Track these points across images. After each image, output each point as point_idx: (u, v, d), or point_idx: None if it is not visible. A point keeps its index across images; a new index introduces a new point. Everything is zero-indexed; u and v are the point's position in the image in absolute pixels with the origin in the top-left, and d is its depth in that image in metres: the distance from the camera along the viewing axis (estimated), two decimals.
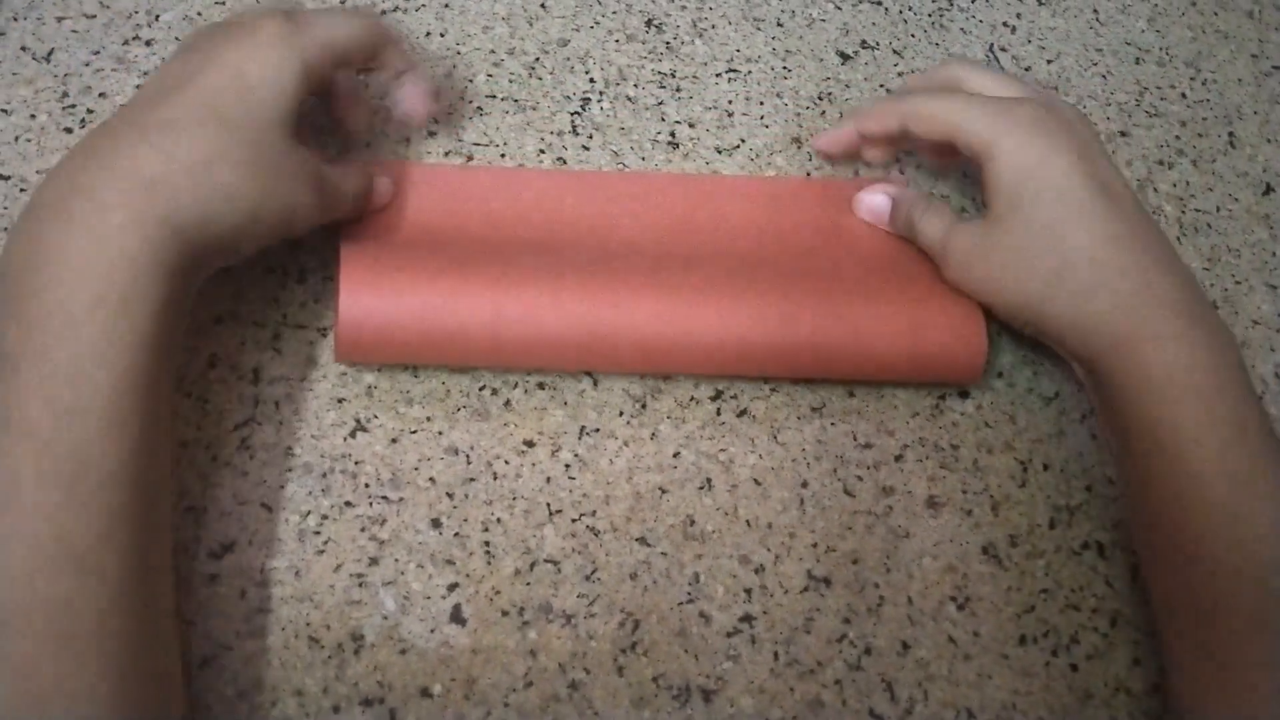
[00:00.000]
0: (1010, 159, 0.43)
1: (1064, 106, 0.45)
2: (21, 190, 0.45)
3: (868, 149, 0.50)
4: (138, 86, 0.48)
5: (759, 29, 0.57)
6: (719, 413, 0.46)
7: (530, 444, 0.44)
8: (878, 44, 0.58)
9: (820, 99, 0.55)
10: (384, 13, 0.52)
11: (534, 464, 0.44)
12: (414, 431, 0.43)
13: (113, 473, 0.32)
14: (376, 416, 0.43)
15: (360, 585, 0.40)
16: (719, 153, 0.52)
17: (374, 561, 0.41)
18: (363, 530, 0.41)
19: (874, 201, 0.50)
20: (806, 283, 0.45)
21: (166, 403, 0.36)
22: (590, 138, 0.51)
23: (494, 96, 0.51)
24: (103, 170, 0.34)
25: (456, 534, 0.42)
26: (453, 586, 0.41)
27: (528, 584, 0.41)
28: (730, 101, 0.54)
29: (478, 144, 0.50)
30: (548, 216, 0.48)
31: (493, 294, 0.42)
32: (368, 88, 0.49)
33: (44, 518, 0.30)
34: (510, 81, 0.52)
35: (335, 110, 0.47)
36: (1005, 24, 0.60)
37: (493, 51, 0.53)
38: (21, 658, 0.29)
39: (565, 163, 0.50)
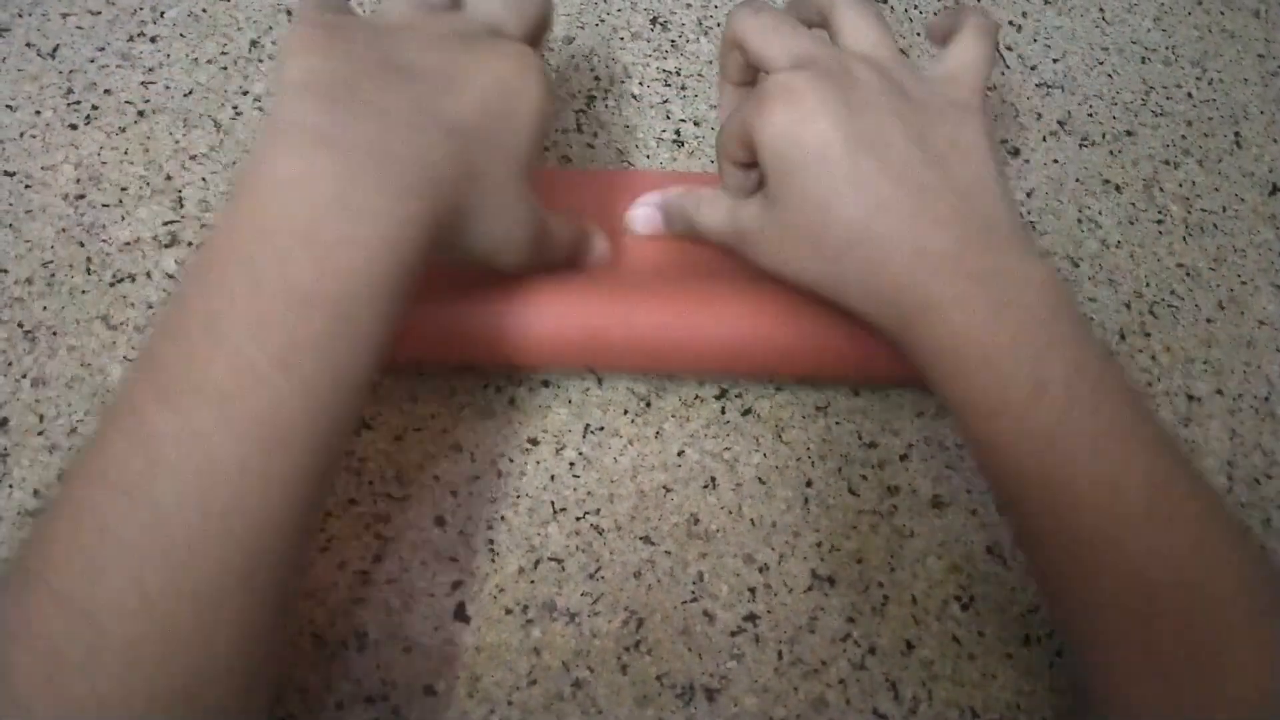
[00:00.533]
0: (765, 138, 0.38)
1: (826, 60, 0.39)
2: (26, 187, 0.44)
3: None
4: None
5: None
6: (723, 411, 0.46)
7: (535, 442, 0.44)
8: None
9: None
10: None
11: (538, 462, 0.44)
12: (418, 429, 0.43)
13: (339, 449, 0.32)
14: (381, 413, 0.43)
15: (364, 583, 0.40)
16: None
17: (378, 559, 0.41)
18: (367, 527, 0.41)
19: (641, 215, 0.48)
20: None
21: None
22: (595, 135, 0.51)
23: None
24: (411, 150, 0.34)
25: (461, 532, 0.42)
26: (456, 584, 0.41)
27: (531, 582, 0.41)
28: None
29: None
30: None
31: (501, 296, 0.42)
32: None
33: (304, 476, 0.31)
34: None
35: None
36: (1011, 23, 0.60)
37: None
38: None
39: (570, 160, 0.50)
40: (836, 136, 0.37)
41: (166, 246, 0.45)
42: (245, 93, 0.48)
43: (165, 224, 0.45)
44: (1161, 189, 0.56)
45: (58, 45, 0.48)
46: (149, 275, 0.44)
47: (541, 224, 0.40)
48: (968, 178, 0.38)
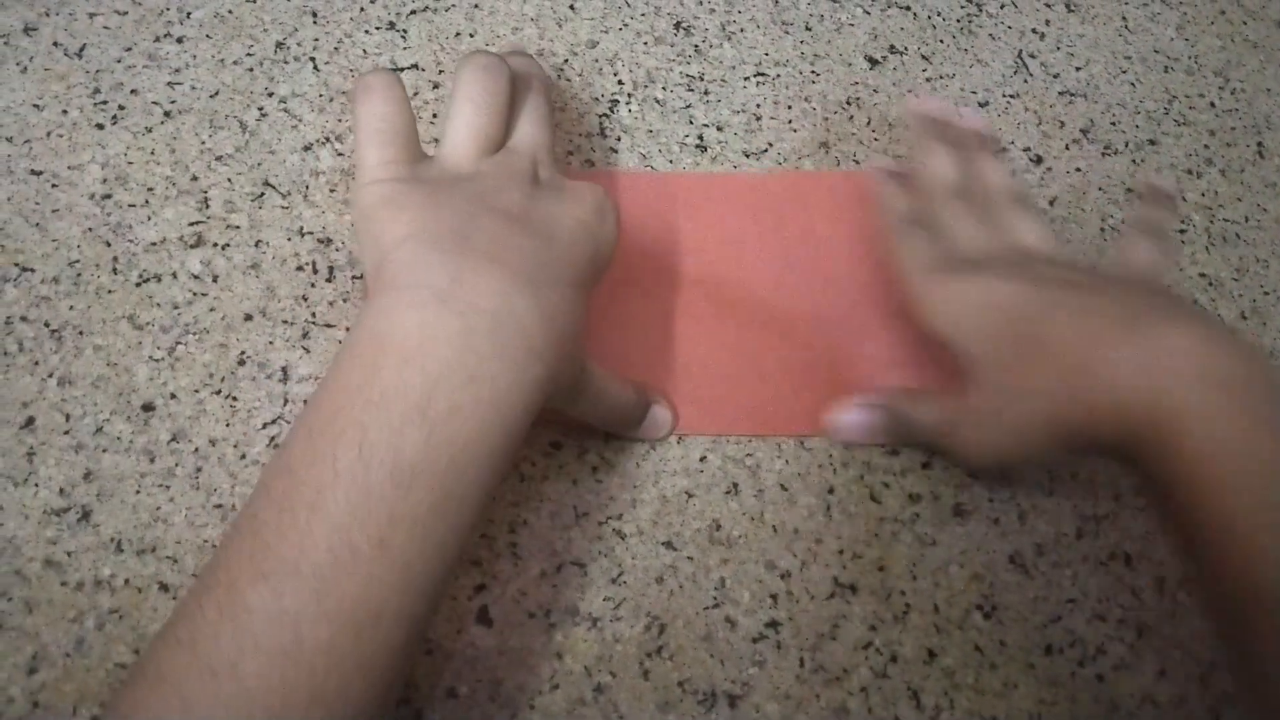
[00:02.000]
0: (951, 336, 0.40)
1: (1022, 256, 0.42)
2: (53, 186, 0.45)
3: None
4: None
5: (787, 33, 0.57)
6: None
7: (557, 446, 0.44)
8: (906, 49, 0.58)
9: (848, 103, 0.55)
10: (412, 13, 0.52)
11: (561, 466, 0.44)
12: None
13: (423, 621, 0.32)
14: None
15: None
16: (747, 156, 0.52)
17: None
18: None
19: (851, 422, 0.46)
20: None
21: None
22: (618, 140, 0.51)
23: None
24: (530, 307, 0.33)
25: (484, 535, 0.42)
26: (479, 588, 0.41)
27: (554, 586, 0.41)
28: (758, 105, 0.54)
29: None
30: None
31: None
32: None
33: (390, 656, 0.30)
34: None
35: None
36: (1034, 30, 0.60)
37: None
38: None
39: (593, 164, 0.50)
40: (1011, 285, 0.39)
41: (192, 247, 0.45)
42: (271, 94, 0.49)
43: (191, 224, 0.45)
44: (1184, 198, 0.56)
45: (85, 45, 0.48)
46: (174, 275, 0.44)
47: (583, 366, 0.39)
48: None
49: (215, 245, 0.45)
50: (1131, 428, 0.34)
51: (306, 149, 0.48)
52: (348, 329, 0.44)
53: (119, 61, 0.48)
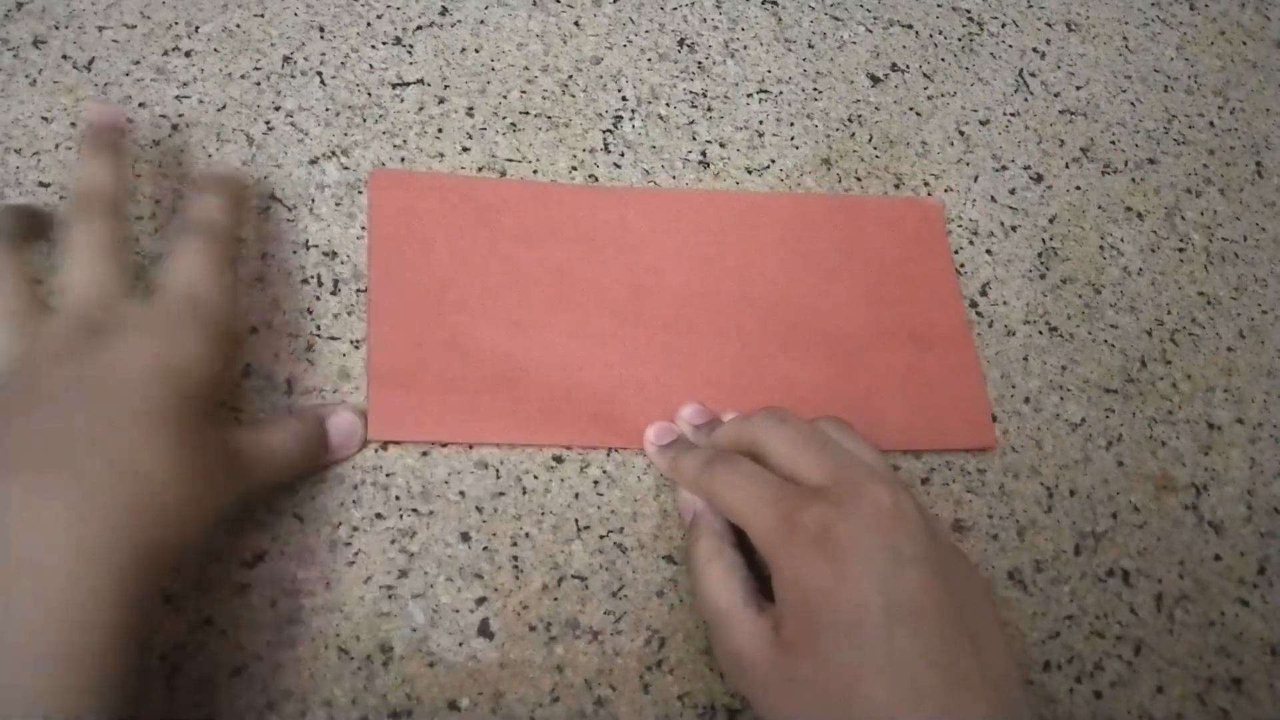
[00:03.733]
0: (792, 582, 0.35)
1: (871, 499, 0.36)
2: (62, 198, 0.45)
3: None
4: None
5: (790, 50, 0.57)
6: None
7: (559, 459, 0.44)
8: (908, 67, 0.58)
9: (850, 121, 0.55)
10: (418, 28, 0.53)
11: (563, 479, 0.44)
12: (444, 445, 0.43)
13: None
14: None
15: (390, 597, 0.40)
16: (749, 173, 0.52)
17: (404, 574, 0.41)
18: (393, 542, 0.41)
19: (685, 503, 0.43)
20: (822, 355, 0.48)
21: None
22: (622, 155, 0.51)
23: (527, 113, 0.52)
24: (47, 540, 0.31)
25: (485, 548, 0.42)
26: (481, 600, 0.41)
27: (555, 599, 0.42)
28: (761, 122, 0.54)
29: (510, 160, 0.50)
30: (581, 232, 0.49)
31: (512, 409, 0.45)
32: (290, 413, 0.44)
33: None
34: (543, 98, 0.52)
35: None
36: (1035, 49, 0.60)
37: (526, 68, 0.53)
38: None
39: (597, 179, 0.50)
40: (876, 603, 0.33)
41: None
42: (278, 108, 0.49)
43: None
44: (1183, 217, 0.56)
45: (93, 58, 0.49)
46: None
47: (231, 456, 0.37)
48: (999, 663, 0.35)
49: None
50: None
51: (313, 163, 0.48)
52: (352, 342, 0.44)
53: (127, 75, 0.49)
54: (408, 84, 0.51)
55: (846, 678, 0.33)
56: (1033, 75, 0.59)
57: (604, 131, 0.52)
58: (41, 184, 0.45)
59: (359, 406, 0.43)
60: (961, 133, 0.56)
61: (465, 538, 0.42)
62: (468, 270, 0.46)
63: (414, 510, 0.42)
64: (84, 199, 0.40)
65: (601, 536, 0.43)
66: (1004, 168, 0.56)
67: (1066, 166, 0.57)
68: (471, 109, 0.51)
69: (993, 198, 0.54)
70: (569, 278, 0.47)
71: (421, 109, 0.50)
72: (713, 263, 0.49)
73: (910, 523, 0.35)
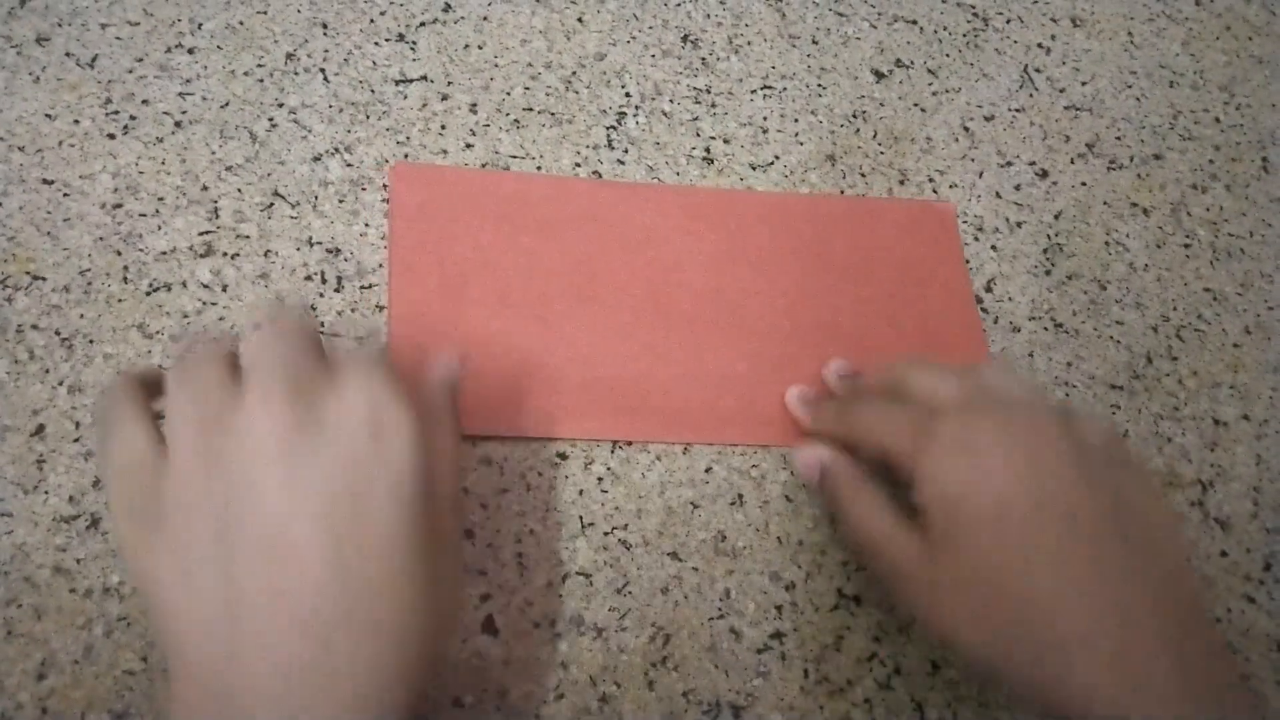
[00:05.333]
0: (933, 484, 0.36)
1: (1011, 410, 0.37)
2: (65, 195, 0.45)
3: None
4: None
5: (794, 46, 0.57)
6: None
7: (563, 456, 0.44)
8: (912, 63, 0.58)
9: (854, 117, 0.55)
10: (422, 25, 0.53)
11: (567, 476, 0.44)
12: None
13: None
14: None
15: None
16: (753, 169, 0.52)
17: None
18: None
19: (806, 460, 0.43)
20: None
21: None
22: (625, 152, 0.51)
23: (530, 109, 0.52)
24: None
25: (489, 545, 0.42)
26: (485, 597, 0.41)
27: (560, 596, 0.42)
28: (765, 118, 0.54)
29: (514, 156, 0.50)
30: (601, 227, 0.49)
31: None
32: None
33: None
34: (547, 95, 0.52)
35: None
36: (1040, 45, 0.60)
37: (530, 65, 0.53)
38: None
39: (600, 176, 0.50)
40: (1018, 498, 0.34)
41: (202, 256, 0.45)
42: (281, 105, 0.49)
43: (201, 234, 0.46)
44: (1189, 213, 0.56)
45: (97, 55, 0.49)
46: (184, 285, 0.44)
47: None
48: (1167, 560, 0.34)
49: (225, 255, 0.45)
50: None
51: (316, 159, 0.48)
52: (356, 339, 0.44)
53: (130, 72, 0.49)
54: (411, 81, 0.51)
55: (993, 572, 0.34)
56: (1038, 71, 0.59)
57: (608, 128, 0.52)
58: (45, 181, 0.45)
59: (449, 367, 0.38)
60: (966, 129, 0.56)
61: (469, 534, 0.42)
62: (489, 264, 0.47)
63: None
64: None
65: (606, 533, 0.43)
66: (1009, 164, 0.56)
67: (1072, 162, 0.57)
68: (475, 105, 0.51)
69: (998, 194, 0.54)
70: (589, 272, 0.48)
71: (425, 105, 0.50)
72: (732, 261, 0.49)
73: (1053, 431, 0.36)
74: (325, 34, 0.51)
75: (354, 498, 0.29)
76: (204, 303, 0.44)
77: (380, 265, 0.46)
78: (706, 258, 0.49)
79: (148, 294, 0.44)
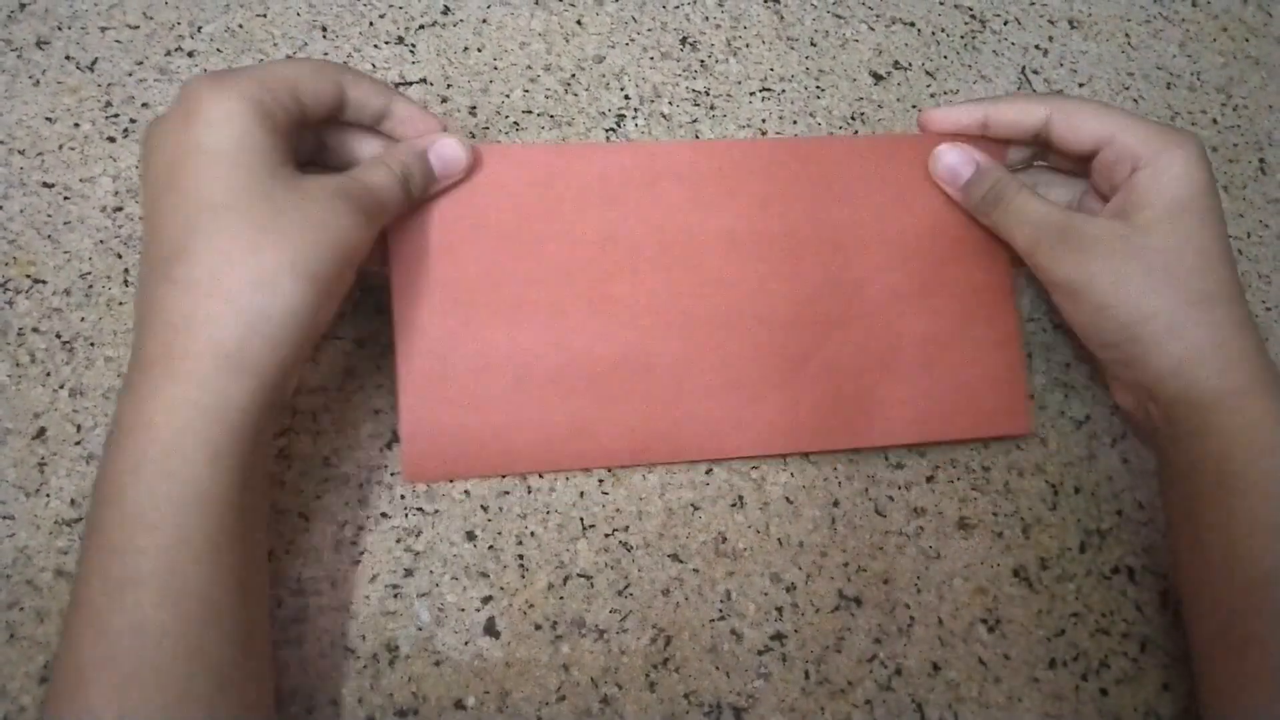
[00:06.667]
0: (1182, 171, 0.41)
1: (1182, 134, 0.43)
2: (65, 199, 0.45)
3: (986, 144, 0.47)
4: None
5: (792, 48, 0.57)
6: None
7: None
8: (910, 65, 0.58)
9: (853, 119, 0.55)
10: (421, 28, 0.53)
11: (567, 478, 0.44)
12: None
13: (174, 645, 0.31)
14: None
15: (395, 596, 0.40)
16: None
17: (409, 573, 0.41)
18: (398, 542, 0.41)
19: (952, 162, 0.46)
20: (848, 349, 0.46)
21: (250, 547, 0.34)
22: None
23: (530, 112, 0.52)
24: (189, 340, 0.33)
25: (491, 547, 0.42)
26: (487, 599, 0.41)
27: (561, 598, 0.42)
28: (764, 120, 0.54)
29: None
30: (613, 209, 0.45)
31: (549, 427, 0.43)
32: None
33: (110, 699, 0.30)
34: (546, 97, 0.52)
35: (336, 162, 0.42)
36: (1037, 46, 0.60)
37: (529, 67, 0.53)
38: None
39: None
40: (1216, 209, 0.41)
41: None
42: None
43: None
44: None
45: (96, 59, 0.49)
46: None
47: (349, 199, 0.36)
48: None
49: None
50: (1207, 387, 0.39)
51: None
52: (355, 341, 0.44)
53: (130, 75, 0.49)
54: (410, 83, 0.51)
55: (1209, 255, 0.40)
56: (1035, 73, 0.59)
57: (607, 130, 0.52)
58: (45, 184, 0.45)
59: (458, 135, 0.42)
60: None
61: (471, 537, 0.42)
62: (492, 275, 0.43)
63: (419, 509, 0.42)
64: None
65: (607, 535, 0.43)
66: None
67: None
68: (474, 108, 0.51)
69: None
70: (601, 270, 0.44)
71: (424, 108, 0.50)
72: (753, 223, 0.46)
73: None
74: (324, 37, 0.51)
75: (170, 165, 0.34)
76: None
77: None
78: (725, 222, 0.45)
79: None
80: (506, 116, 0.51)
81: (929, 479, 0.46)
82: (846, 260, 0.46)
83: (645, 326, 0.44)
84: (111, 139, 0.47)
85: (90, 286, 0.44)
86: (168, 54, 0.50)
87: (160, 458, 0.32)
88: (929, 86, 0.57)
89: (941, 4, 0.60)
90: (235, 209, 0.33)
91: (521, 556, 0.42)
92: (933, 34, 0.59)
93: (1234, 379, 0.39)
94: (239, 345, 0.33)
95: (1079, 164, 0.45)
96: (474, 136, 0.50)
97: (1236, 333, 0.40)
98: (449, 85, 0.51)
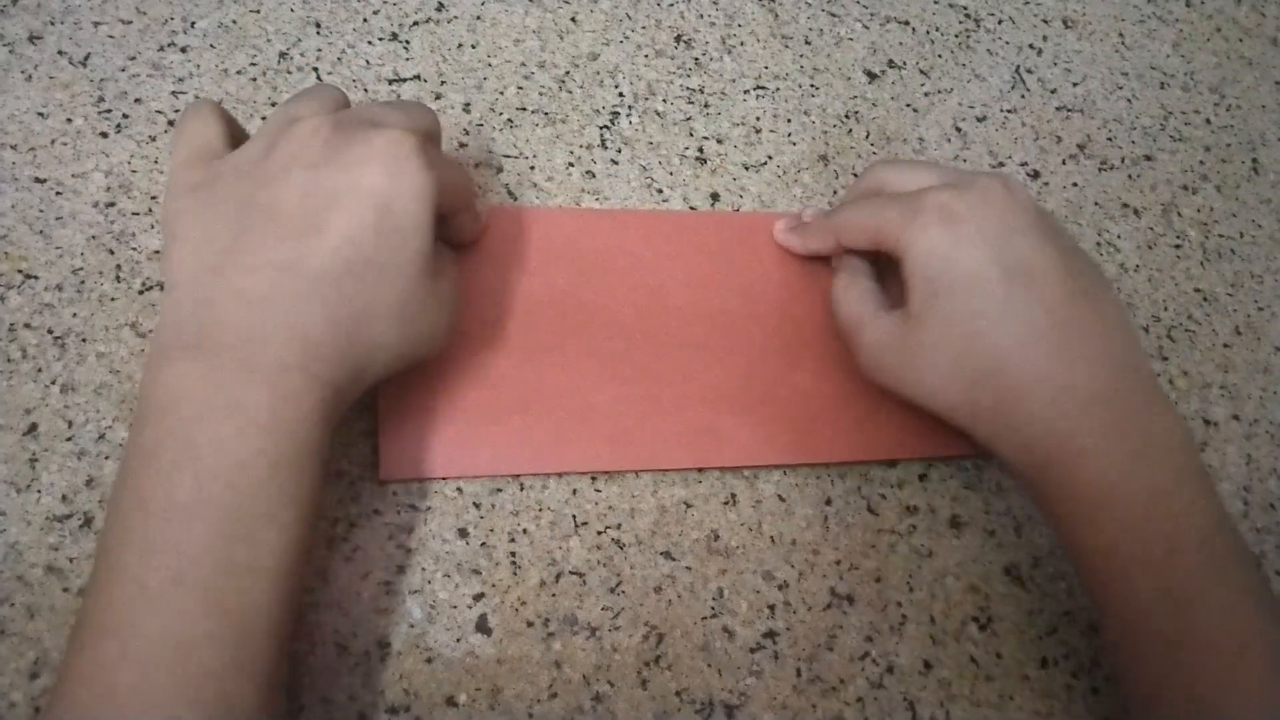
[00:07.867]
0: (919, 253, 0.39)
1: (985, 184, 0.41)
2: (57, 194, 0.45)
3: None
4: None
5: (787, 47, 0.57)
6: None
7: None
8: (904, 63, 0.58)
9: (847, 117, 0.55)
10: (415, 24, 0.53)
11: (560, 475, 0.44)
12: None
13: (273, 631, 0.32)
14: None
15: (388, 593, 0.40)
16: (746, 169, 0.52)
17: (401, 570, 0.41)
18: (390, 538, 0.41)
19: (786, 241, 0.49)
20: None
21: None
22: (619, 151, 0.51)
23: (524, 109, 0.52)
24: (278, 326, 0.33)
25: (483, 544, 0.42)
26: (479, 596, 0.41)
27: (553, 595, 0.42)
28: (758, 118, 0.54)
29: (507, 155, 0.50)
30: (581, 257, 0.48)
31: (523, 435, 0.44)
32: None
33: (213, 679, 0.30)
34: (540, 94, 0.52)
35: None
36: (1031, 46, 0.60)
37: (523, 64, 0.53)
38: None
39: (594, 175, 0.50)
40: (990, 262, 0.38)
41: None
42: (274, 104, 0.49)
43: None
44: (1180, 214, 0.56)
45: (89, 54, 0.48)
46: None
47: (455, 288, 0.39)
48: (1114, 315, 0.39)
49: None
50: (1038, 449, 0.38)
51: None
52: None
53: (123, 70, 0.48)
54: (404, 80, 0.51)
55: (966, 330, 0.38)
56: (1029, 72, 0.59)
57: (601, 128, 0.52)
58: (37, 179, 0.45)
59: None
60: (958, 129, 0.56)
61: (463, 534, 0.42)
62: (470, 298, 0.45)
63: (411, 506, 0.42)
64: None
65: (599, 532, 0.43)
66: (1001, 164, 0.56)
67: (1063, 163, 0.57)
68: (468, 105, 0.51)
69: None
70: (573, 302, 0.46)
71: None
72: (715, 282, 0.48)
73: (1022, 202, 0.40)
74: (318, 33, 0.51)
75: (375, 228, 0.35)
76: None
77: None
78: (690, 281, 0.48)
79: (140, 293, 0.44)
80: (500, 113, 0.51)
81: (921, 477, 0.46)
82: (808, 316, 0.49)
83: (618, 350, 0.46)
84: (104, 134, 0.47)
85: (82, 282, 0.44)
86: (161, 49, 0.49)
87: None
88: (923, 85, 0.57)
89: (936, 3, 0.61)
90: (391, 283, 0.35)
91: (514, 554, 0.42)
92: (927, 33, 0.59)
93: (1038, 453, 0.38)
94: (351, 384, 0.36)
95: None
96: (467, 134, 0.50)
97: (1037, 402, 0.38)
98: (443, 82, 0.51)
